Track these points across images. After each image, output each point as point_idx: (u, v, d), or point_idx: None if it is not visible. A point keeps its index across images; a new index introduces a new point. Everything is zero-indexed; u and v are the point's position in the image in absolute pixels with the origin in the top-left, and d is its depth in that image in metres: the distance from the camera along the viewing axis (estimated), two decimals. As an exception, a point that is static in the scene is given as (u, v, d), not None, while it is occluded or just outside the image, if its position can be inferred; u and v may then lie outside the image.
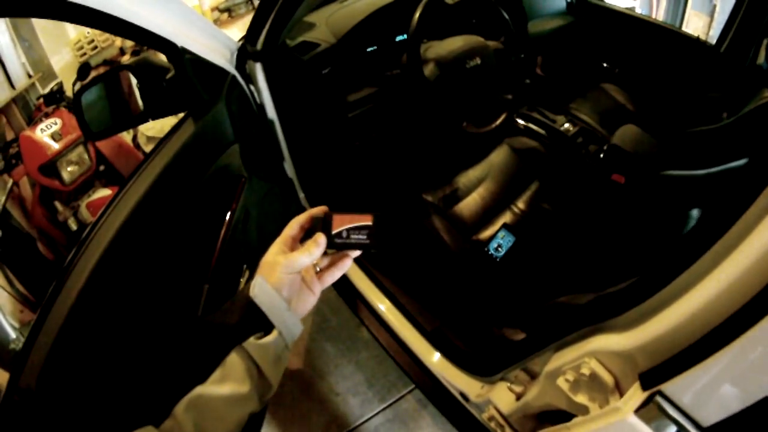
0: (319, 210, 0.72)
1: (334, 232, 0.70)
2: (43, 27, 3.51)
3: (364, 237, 0.70)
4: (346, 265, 0.74)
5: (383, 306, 1.65)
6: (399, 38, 1.70)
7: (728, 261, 0.58)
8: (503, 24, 1.67)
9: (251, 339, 0.64)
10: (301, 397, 1.94)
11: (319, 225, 0.71)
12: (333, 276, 0.74)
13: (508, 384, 1.15)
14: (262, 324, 0.65)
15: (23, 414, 0.84)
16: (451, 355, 1.45)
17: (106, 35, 3.98)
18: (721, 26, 1.99)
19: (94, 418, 0.75)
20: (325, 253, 0.71)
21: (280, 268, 0.67)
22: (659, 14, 4.23)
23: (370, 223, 0.70)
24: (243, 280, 1.39)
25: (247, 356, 0.63)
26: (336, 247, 0.71)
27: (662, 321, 0.67)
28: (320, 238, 0.69)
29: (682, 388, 0.63)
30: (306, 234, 0.72)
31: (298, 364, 2.00)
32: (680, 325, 0.64)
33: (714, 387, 0.62)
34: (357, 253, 0.73)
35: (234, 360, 0.63)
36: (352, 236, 0.70)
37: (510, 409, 1.15)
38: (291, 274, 0.68)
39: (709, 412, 0.62)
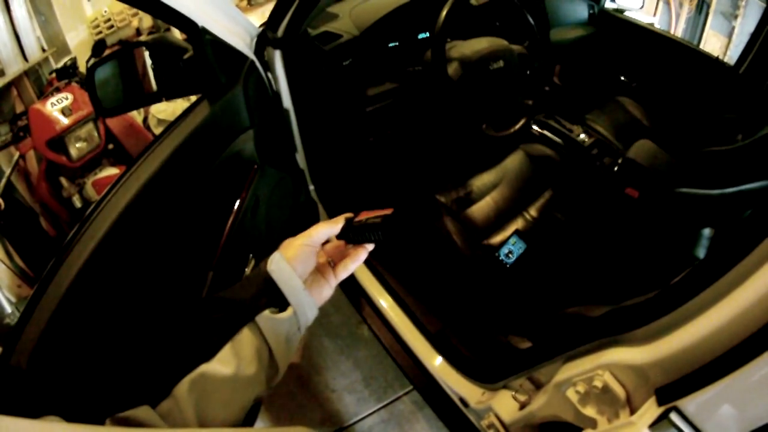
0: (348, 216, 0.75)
1: (355, 220, 0.71)
2: (60, 2, 3.50)
3: (378, 220, 0.70)
4: (361, 258, 0.74)
5: (387, 305, 1.63)
6: (421, 36, 1.68)
7: (752, 280, 0.57)
8: (528, 29, 1.66)
9: (266, 312, 0.62)
10: (297, 392, 1.93)
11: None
12: (347, 268, 0.73)
13: (513, 392, 1.13)
14: (277, 301, 0.64)
15: (12, 392, 0.81)
16: (453, 359, 1.43)
17: (123, 15, 3.96)
18: (739, 48, 1.99)
19: (87, 398, 0.72)
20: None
21: (300, 239, 0.67)
22: (677, 32, 4.23)
23: (388, 212, 0.71)
24: (248, 270, 1.37)
25: (259, 334, 0.62)
26: (353, 230, 0.71)
27: (682, 336, 0.66)
28: (341, 218, 0.71)
29: (699, 404, 0.62)
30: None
31: (296, 358, 1.98)
32: (700, 341, 0.63)
33: (731, 405, 0.60)
34: (371, 246, 0.74)
35: (245, 337, 0.61)
36: (369, 221, 0.71)
37: (512, 418, 1.13)
38: (309, 247, 0.67)
39: (723, 431, 0.61)
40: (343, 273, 0.73)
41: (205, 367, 0.57)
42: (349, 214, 0.74)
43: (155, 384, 0.56)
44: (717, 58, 2.11)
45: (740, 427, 0.59)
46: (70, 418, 0.45)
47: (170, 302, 1.10)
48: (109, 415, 0.50)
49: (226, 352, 0.59)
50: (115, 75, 1.21)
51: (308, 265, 0.68)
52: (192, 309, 0.64)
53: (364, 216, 0.72)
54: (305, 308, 0.66)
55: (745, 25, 3.85)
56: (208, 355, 0.58)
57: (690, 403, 0.62)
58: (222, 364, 0.58)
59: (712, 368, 0.60)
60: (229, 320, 0.61)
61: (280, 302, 0.64)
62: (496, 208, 1.66)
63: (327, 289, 0.72)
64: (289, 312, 0.64)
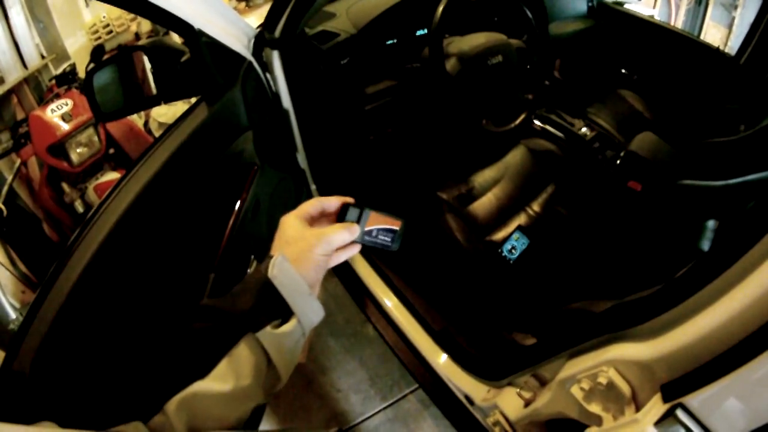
0: (349, 200, 0.70)
1: (367, 228, 0.70)
2: (58, 9, 3.50)
3: (389, 240, 0.71)
4: (355, 250, 0.71)
5: (391, 303, 1.63)
6: (419, 32, 1.68)
7: (758, 272, 0.56)
8: (526, 23, 1.65)
9: (267, 328, 0.57)
10: (303, 392, 1.93)
11: (356, 216, 0.69)
12: (339, 258, 0.70)
13: (517, 389, 1.13)
14: (279, 310, 0.59)
15: (13, 398, 0.81)
16: (457, 356, 1.42)
17: (122, 20, 3.96)
18: (740, 38, 1.97)
19: (84, 408, 0.71)
20: None
21: (319, 246, 0.62)
22: (677, 24, 4.21)
23: (397, 228, 0.71)
24: (250, 271, 1.37)
25: (259, 348, 0.57)
26: (362, 242, 0.70)
27: (687, 331, 0.64)
28: (356, 228, 0.67)
29: (706, 401, 0.61)
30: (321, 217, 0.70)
31: (301, 358, 1.95)
32: (706, 336, 0.62)
33: (739, 401, 0.59)
34: None
35: (242, 352, 0.57)
36: (380, 237, 0.70)
37: (517, 416, 1.13)
38: (327, 256, 0.64)
39: (730, 427, 0.60)
40: (334, 261, 0.69)
41: (197, 386, 0.55)
42: (349, 199, 0.70)
43: (148, 398, 0.55)
44: (717, 48, 2.10)
45: (748, 424, 0.58)
46: (65, 427, 0.45)
47: (171, 305, 1.10)
48: (101, 430, 0.49)
49: (222, 368, 0.56)
50: (114, 79, 1.21)
51: (320, 272, 0.64)
52: (186, 319, 0.60)
53: (374, 221, 0.69)
54: (310, 315, 0.62)
55: (745, 16, 3.83)
56: (204, 367, 0.56)
57: (696, 400, 0.61)
58: (217, 381, 0.55)
59: (719, 363, 0.59)
60: (225, 333, 0.58)
61: (282, 310, 0.59)
62: (498, 204, 1.66)
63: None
64: (292, 323, 0.59)
